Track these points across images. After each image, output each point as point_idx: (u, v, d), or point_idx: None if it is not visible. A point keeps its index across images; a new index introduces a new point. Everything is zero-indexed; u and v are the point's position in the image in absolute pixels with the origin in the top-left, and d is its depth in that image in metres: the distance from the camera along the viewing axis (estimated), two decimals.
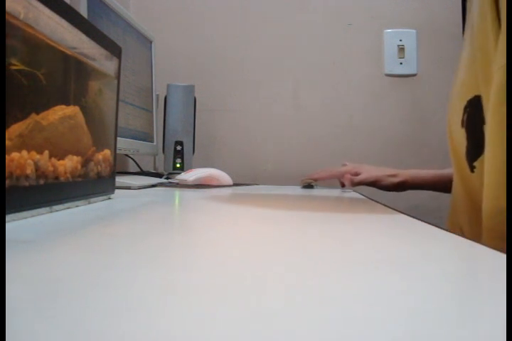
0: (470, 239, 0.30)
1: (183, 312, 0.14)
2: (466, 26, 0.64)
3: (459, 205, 0.66)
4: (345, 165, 1.03)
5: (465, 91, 0.59)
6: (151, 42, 1.16)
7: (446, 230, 0.34)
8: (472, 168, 0.57)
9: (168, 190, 0.81)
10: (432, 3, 1.34)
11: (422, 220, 0.40)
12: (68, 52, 0.42)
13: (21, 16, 0.33)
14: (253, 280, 0.19)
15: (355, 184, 0.95)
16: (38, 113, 0.36)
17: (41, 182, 0.37)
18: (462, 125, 0.60)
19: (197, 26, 1.37)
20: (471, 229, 0.61)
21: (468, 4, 0.64)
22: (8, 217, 0.32)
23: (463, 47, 0.62)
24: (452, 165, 0.66)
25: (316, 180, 0.98)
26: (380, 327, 0.13)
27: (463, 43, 0.63)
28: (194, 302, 0.15)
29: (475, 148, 0.56)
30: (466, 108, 0.58)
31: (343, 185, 0.99)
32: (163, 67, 1.27)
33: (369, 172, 0.97)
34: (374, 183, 0.96)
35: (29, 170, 0.34)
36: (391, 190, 0.97)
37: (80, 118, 0.44)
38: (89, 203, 0.48)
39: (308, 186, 0.99)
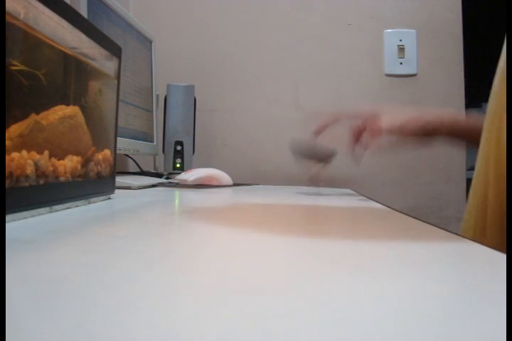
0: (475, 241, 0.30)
1: (184, 313, 0.14)
2: None
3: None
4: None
5: None
6: (151, 42, 1.16)
7: (446, 230, 0.34)
8: None
9: (168, 190, 0.81)
10: (432, 3, 1.34)
11: (425, 221, 0.40)
12: (68, 52, 0.42)
13: (21, 16, 0.33)
14: (254, 281, 0.19)
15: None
16: (38, 113, 0.36)
17: (41, 182, 0.37)
18: None
19: (197, 26, 1.37)
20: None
21: None
22: (8, 217, 0.32)
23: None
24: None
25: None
26: (379, 328, 0.13)
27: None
28: (195, 302, 0.15)
29: None
30: None
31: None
32: (163, 67, 1.27)
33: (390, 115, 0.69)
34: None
35: (29, 170, 0.34)
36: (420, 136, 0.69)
37: (80, 118, 0.44)
38: (89, 203, 0.48)
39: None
